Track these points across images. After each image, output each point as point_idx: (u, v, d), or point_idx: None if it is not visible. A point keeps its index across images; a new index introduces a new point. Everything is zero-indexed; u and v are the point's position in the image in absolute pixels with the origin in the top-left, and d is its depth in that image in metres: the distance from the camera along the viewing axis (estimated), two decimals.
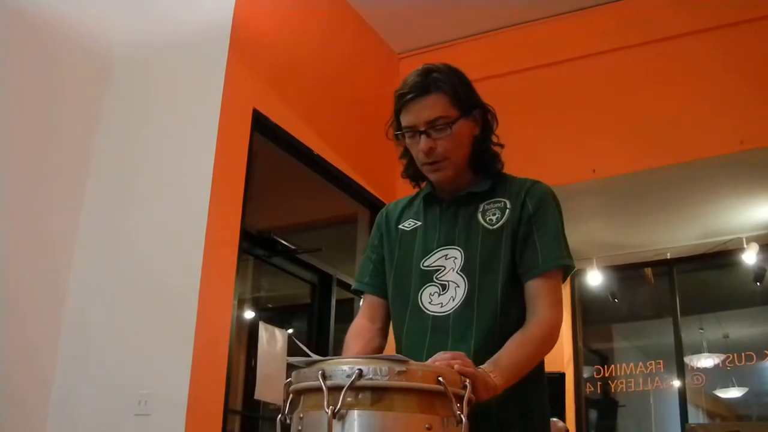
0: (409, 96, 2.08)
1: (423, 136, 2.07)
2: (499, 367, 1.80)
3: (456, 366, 1.61)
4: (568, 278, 2.18)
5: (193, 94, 4.41)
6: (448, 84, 2.09)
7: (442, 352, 1.72)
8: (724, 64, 5.23)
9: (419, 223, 2.23)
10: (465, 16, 5.94)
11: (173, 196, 4.21)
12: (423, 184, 2.30)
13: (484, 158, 2.19)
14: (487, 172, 2.20)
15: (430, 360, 1.70)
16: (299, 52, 5.07)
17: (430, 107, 2.07)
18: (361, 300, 2.34)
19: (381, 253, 2.30)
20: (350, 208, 5.92)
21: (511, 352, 1.89)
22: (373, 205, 5.82)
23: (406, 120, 2.11)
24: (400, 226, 2.28)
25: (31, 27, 4.28)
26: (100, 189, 4.45)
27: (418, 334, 2.07)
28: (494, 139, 2.22)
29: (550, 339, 1.99)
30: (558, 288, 2.06)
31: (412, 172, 2.27)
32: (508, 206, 2.12)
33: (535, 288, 2.03)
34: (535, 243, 2.06)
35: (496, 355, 1.86)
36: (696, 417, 7.74)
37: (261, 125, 4.54)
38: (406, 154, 2.24)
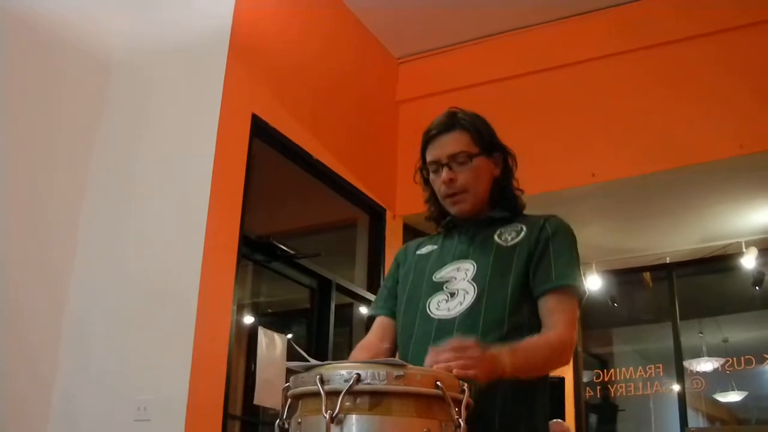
0: (433, 132, 2.23)
1: (445, 168, 2.19)
2: (512, 350, 1.84)
3: (456, 364, 1.64)
4: None
5: (192, 99, 4.42)
6: (471, 124, 2.22)
7: (452, 339, 1.76)
8: (724, 68, 5.23)
9: (436, 247, 2.31)
10: (464, 21, 5.95)
11: (172, 201, 4.21)
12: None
13: (503, 197, 2.27)
14: (505, 207, 2.27)
15: (440, 346, 1.73)
16: (298, 57, 5.08)
17: (453, 142, 2.20)
18: (373, 323, 2.37)
19: (396, 279, 2.36)
20: (349, 213, 5.92)
21: (527, 345, 1.92)
22: (373, 209, 5.82)
23: (430, 155, 2.24)
24: (417, 252, 2.35)
25: (31, 31, 4.28)
26: (99, 194, 4.45)
27: (424, 338, 2.08)
28: (515, 183, 2.31)
29: (563, 353, 2.02)
30: (574, 309, 2.09)
31: (436, 214, 2.36)
32: (524, 230, 2.18)
33: (550, 303, 2.06)
34: (550, 259, 2.10)
35: (512, 344, 1.88)
36: (696, 421, 7.73)
37: (260, 130, 4.54)
38: (431, 197, 2.34)
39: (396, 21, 5.98)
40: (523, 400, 2.00)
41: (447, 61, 6.11)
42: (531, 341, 1.95)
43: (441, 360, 1.70)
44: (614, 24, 5.69)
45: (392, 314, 2.30)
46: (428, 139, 2.24)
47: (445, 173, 2.18)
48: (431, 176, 2.26)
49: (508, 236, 2.17)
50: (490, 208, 2.26)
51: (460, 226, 2.28)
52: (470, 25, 6.01)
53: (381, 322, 2.32)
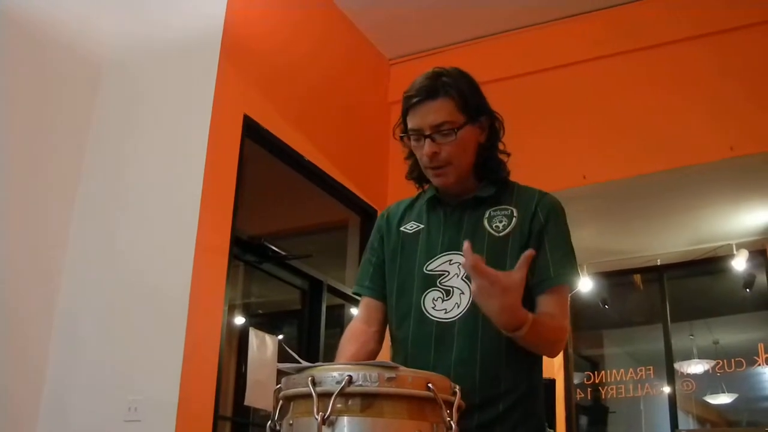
0: (416, 99, 2.08)
1: (427, 141, 2.06)
2: (534, 320, 1.83)
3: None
4: None
5: (184, 100, 4.41)
6: (456, 89, 2.08)
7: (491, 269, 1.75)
8: (714, 71, 5.24)
9: (422, 226, 2.21)
10: (456, 23, 5.95)
11: (164, 201, 4.21)
12: (426, 186, 2.28)
13: (488, 166, 2.18)
14: (491, 179, 2.18)
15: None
16: (290, 57, 5.07)
17: (436, 111, 2.06)
18: (360, 303, 2.31)
19: (381, 255, 2.27)
20: (341, 214, 5.92)
21: (545, 323, 1.92)
22: (364, 211, 5.82)
23: (412, 123, 2.10)
24: (401, 228, 2.25)
25: (22, 31, 4.27)
26: (91, 194, 4.44)
27: (423, 341, 2.05)
28: (501, 147, 2.22)
29: (561, 342, 2.03)
30: (567, 302, 2.08)
31: (417, 175, 2.26)
32: (515, 214, 2.11)
33: (548, 301, 2.03)
34: (547, 254, 2.05)
35: (535, 316, 1.88)
36: (686, 423, 7.76)
37: (252, 131, 4.54)
38: (412, 155, 2.22)
39: (388, 22, 5.98)
40: (524, 408, 2.00)
41: (439, 63, 5.99)
42: (547, 322, 1.94)
43: (482, 271, 1.73)
44: (606, 26, 5.70)
45: (379, 296, 2.23)
46: (410, 105, 2.09)
47: (427, 146, 2.05)
48: (413, 143, 2.13)
49: (499, 223, 2.09)
50: (474, 178, 2.17)
51: (445, 204, 2.18)
52: (462, 27, 6.02)
53: (367, 303, 2.25)
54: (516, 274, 1.74)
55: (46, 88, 4.37)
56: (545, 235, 2.07)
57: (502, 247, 2.06)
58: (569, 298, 2.10)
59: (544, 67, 5.84)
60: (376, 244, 2.31)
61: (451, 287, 2.05)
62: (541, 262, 2.04)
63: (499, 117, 2.21)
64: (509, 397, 1.95)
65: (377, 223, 2.36)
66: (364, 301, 2.27)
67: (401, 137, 2.18)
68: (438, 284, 2.08)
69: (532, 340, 1.88)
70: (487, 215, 2.12)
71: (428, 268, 2.11)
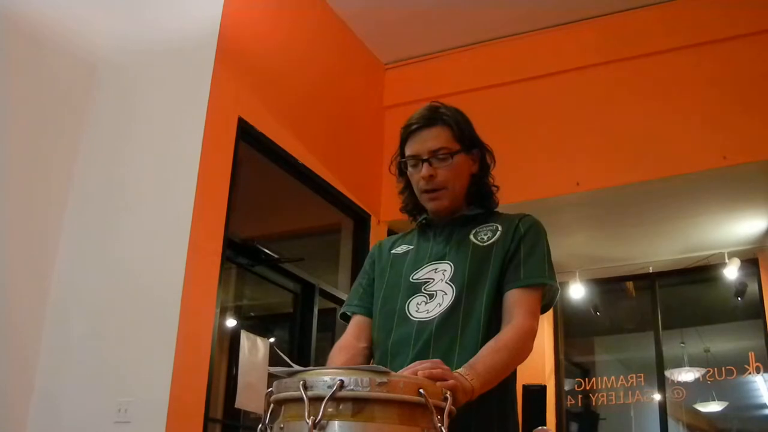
0: (415, 126, 2.20)
1: (425, 164, 2.17)
2: (475, 371, 1.80)
3: (438, 383, 1.61)
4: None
5: (178, 102, 4.41)
6: (453, 120, 2.21)
7: (418, 362, 1.72)
8: (708, 80, 5.26)
9: (411, 247, 2.30)
10: (451, 29, 5.96)
11: (157, 203, 4.20)
12: (419, 219, 2.35)
13: (480, 194, 2.27)
14: (480, 205, 2.27)
15: (408, 369, 1.69)
16: (285, 61, 5.08)
17: (434, 138, 2.18)
18: (350, 321, 2.34)
19: (371, 276, 2.34)
20: (334, 218, 5.92)
21: (486, 357, 1.89)
22: (358, 215, 5.82)
23: (410, 149, 2.22)
24: (392, 251, 2.33)
25: (17, 31, 4.26)
26: (84, 196, 4.43)
27: (403, 340, 2.07)
28: (491, 180, 2.31)
29: (524, 347, 2.00)
30: (536, 302, 2.09)
31: (411, 207, 2.35)
32: (500, 229, 2.18)
33: (513, 297, 2.06)
34: (520, 260, 2.10)
35: (471, 360, 1.86)
36: (676, 431, 7.76)
37: (246, 134, 4.54)
38: (406, 188, 2.33)
39: (383, 27, 5.99)
40: (499, 411, 2.01)
41: (434, 68, 6.11)
42: (489, 350, 1.92)
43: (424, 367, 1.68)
44: (601, 34, 5.72)
45: (368, 313, 2.28)
46: (409, 132, 2.22)
47: (425, 169, 2.16)
48: (410, 170, 2.23)
49: (484, 236, 2.17)
50: (466, 204, 2.26)
51: (435, 226, 2.27)
52: (457, 33, 6.03)
53: (357, 321, 2.29)
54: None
55: (40, 88, 4.36)
56: (522, 244, 2.14)
57: (486, 255, 2.13)
58: (539, 298, 2.10)
59: (538, 74, 5.86)
60: (367, 267, 2.39)
61: (435, 291, 2.11)
62: (513, 267, 2.10)
63: (490, 150, 2.31)
64: (486, 394, 1.95)
65: (370, 251, 2.45)
66: (354, 318, 2.32)
67: (399, 164, 2.29)
68: (423, 290, 2.13)
69: (498, 379, 1.89)
70: (473, 231, 2.21)
71: (414, 277, 2.17)
